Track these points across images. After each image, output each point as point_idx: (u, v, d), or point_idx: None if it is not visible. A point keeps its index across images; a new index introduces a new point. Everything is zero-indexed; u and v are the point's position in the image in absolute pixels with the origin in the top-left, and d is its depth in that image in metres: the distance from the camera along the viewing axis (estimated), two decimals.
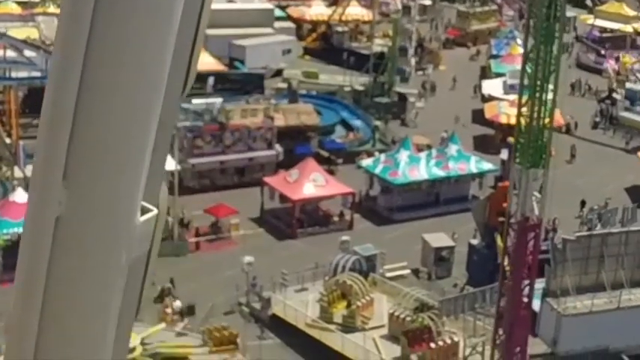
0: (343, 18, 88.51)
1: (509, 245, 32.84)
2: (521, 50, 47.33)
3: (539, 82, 30.99)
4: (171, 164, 49.60)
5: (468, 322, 39.74)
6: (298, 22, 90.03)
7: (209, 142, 56.81)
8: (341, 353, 39.07)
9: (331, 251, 45.62)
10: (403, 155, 54.44)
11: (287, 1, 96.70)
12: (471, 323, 39.59)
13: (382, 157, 56.10)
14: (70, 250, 2.98)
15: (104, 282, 3.05)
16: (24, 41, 55.53)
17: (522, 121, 31.86)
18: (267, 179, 53.66)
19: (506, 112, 62.81)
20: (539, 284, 38.97)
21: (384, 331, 40.10)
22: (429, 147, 59.08)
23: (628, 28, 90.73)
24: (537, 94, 31.08)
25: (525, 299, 33.24)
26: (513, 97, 54.02)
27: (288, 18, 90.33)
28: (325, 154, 59.89)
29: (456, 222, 50.83)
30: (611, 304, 40.28)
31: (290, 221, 51.37)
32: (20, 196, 42.82)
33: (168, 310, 39.83)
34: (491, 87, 71.84)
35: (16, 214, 41.67)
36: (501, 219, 37.36)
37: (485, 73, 78.71)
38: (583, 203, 53.62)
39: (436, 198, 54.86)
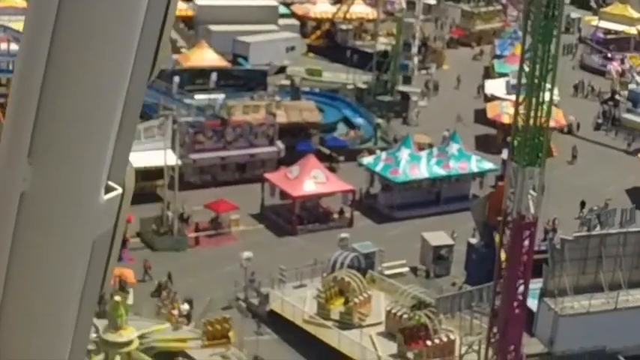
0: (348, 16, 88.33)
1: (504, 243, 32.89)
2: None
3: (536, 81, 31.04)
4: (172, 159, 49.78)
5: (464, 320, 39.76)
6: (302, 19, 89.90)
7: (210, 138, 56.83)
8: (337, 350, 39.18)
9: (331, 248, 45.68)
10: (404, 153, 54.40)
11: None
12: (467, 321, 39.60)
13: (383, 155, 56.08)
14: (33, 226, 3.03)
15: (67, 257, 3.10)
16: None
17: (519, 119, 31.93)
18: (267, 175, 53.66)
19: (508, 112, 62.54)
20: (537, 284, 39.08)
21: (381, 328, 40.17)
22: (430, 146, 59.04)
23: (632, 30, 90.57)
24: (534, 93, 31.12)
25: (520, 298, 33.28)
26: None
27: (293, 15, 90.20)
28: (327, 151, 59.83)
29: (456, 221, 50.84)
30: (608, 304, 40.33)
31: (290, 218, 51.41)
32: None
33: (175, 312, 39.79)
34: (494, 87, 71.81)
35: None
36: (500, 218, 37.36)
37: (489, 73, 78.67)
38: (583, 204, 53.60)
39: (437, 197, 54.81)
